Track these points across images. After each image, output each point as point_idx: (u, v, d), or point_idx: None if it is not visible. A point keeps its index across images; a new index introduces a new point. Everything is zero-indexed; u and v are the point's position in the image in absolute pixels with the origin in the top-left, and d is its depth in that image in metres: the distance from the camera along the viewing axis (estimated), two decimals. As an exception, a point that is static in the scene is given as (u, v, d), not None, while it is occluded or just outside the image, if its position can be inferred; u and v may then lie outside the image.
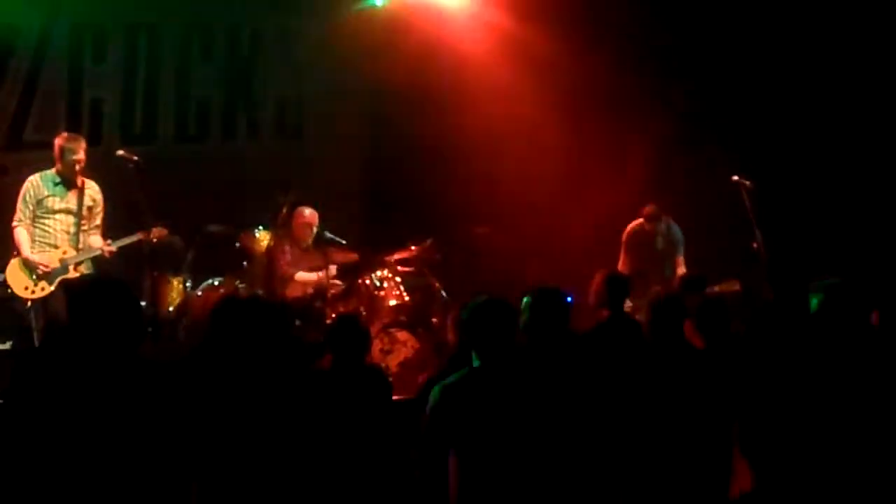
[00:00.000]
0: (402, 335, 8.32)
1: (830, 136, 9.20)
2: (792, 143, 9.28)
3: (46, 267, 7.58)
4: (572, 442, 4.27)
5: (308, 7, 9.99)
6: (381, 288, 8.66)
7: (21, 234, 7.66)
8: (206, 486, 3.89)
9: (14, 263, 7.64)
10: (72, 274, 7.61)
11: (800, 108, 9.30)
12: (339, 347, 5.22)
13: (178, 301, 8.63)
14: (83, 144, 7.75)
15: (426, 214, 9.71)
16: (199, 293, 8.49)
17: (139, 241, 7.85)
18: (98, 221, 7.89)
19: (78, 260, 7.70)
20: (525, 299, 5.13)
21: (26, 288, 7.59)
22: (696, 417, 4.87)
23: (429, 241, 8.87)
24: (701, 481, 4.84)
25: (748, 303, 7.67)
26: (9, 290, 7.64)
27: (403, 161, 10.15)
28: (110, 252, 7.75)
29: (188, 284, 8.65)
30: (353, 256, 8.90)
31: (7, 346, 7.82)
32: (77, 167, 7.67)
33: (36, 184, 7.72)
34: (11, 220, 7.72)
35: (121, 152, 8.09)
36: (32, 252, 7.62)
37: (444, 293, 8.85)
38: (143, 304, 8.20)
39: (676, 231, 8.55)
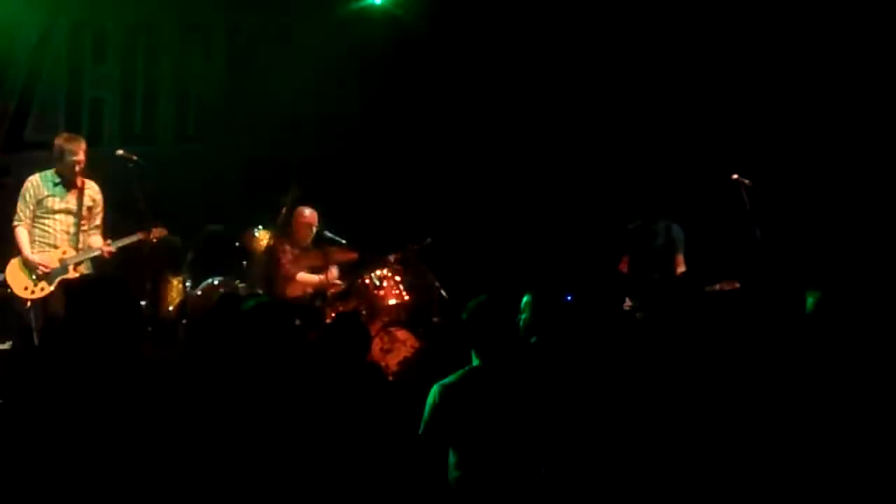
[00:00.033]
0: (401, 334, 8.32)
1: (831, 134, 9.19)
2: (792, 141, 9.27)
3: (46, 267, 7.58)
4: (571, 442, 4.27)
5: (308, 7, 9.99)
6: (380, 287, 8.66)
7: (21, 234, 7.66)
8: (206, 484, 3.90)
9: (14, 263, 7.64)
10: (71, 274, 7.61)
11: (800, 107, 9.28)
12: (339, 346, 5.22)
13: (177, 301, 8.64)
14: (83, 145, 7.75)
15: (426, 213, 9.71)
16: (199, 293, 8.50)
17: (139, 242, 7.86)
18: (98, 221, 7.90)
19: (77, 260, 7.70)
20: (525, 298, 5.13)
21: (26, 288, 7.59)
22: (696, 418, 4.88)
23: (428, 241, 8.87)
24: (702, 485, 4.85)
25: (748, 302, 7.67)
26: (8, 290, 7.65)
27: (403, 160, 10.15)
28: (110, 252, 7.76)
29: (188, 284, 8.65)
30: (353, 255, 8.89)
31: (7, 345, 7.82)
32: (77, 168, 7.67)
33: (36, 183, 7.73)
34: (11, 219, 7.73)
35: (121, 152, 8.10)
36: (32, 252, 7.63)
37: (443, 292, 8.85)
38: (143, 303, 8.23)
39: (676, 230, 8.54)
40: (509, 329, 4.41)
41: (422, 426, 4.36)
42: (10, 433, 3.55)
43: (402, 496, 4.83)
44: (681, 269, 8.43)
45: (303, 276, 8.82)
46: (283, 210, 8.85)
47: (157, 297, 8.37)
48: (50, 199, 7.70)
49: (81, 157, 7.69)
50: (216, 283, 8.51)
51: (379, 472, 4.93)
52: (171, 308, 8.57)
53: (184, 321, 8.37)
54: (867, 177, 9.04)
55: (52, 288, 7.56)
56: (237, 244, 8.88)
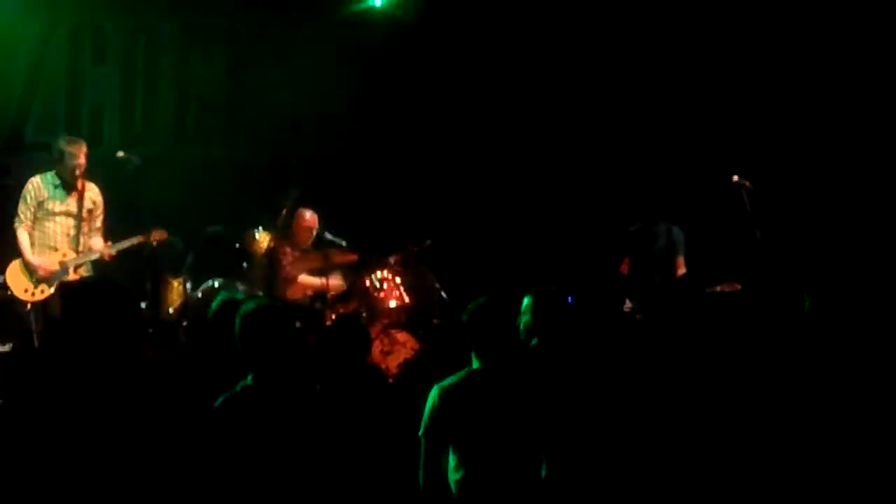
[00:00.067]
0: (402, 336, 8.31)
1: (831, 136, 9.18)
2: (792, 143, 9.26)
3: (46, 269, 7.58)
4: (572, 444, 4.27)
5: (308, 8, 9.99)
6: (380, 289, 8.65)
7: (23, 236, 7.67)
8: (207, 486, 3.89)
9: (14, 265, 7.65)
10: (71, 277, 7.62)
11: (800, 109, 9.28)
12: (340, 348, 5.22)
13: (178, 303, 8.63)
14: (84, 149, 7.75)
15: (426, 215, 9.71)
16: (200, 295, 8.49)
17: (139, 244, 7.86)
18: (99, 224, 7.90)
19: (77, 262, 7.70)
20: (525, 300, 5.12)
21: (26, 290, 7.59)
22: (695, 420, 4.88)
23: (428, 242, 8.86)
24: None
25: (748, 303, 7.67)
26: (9, 293, 7.64)
27: (403, 161, 10.15)
28: (110, 255, 7.76)
29: (188, 286, 8.65)
30: (353, 257, 8.89)
31: (7, 348, 7.82)
32: (77, 172, 7.67)
33: (37, 185, 7.73)
34: (12, 221, 7.73)
35: (121, 154, 8.10)
36: (32, 254, 7.62)
37: (444, 294, 8.84)
38: (143, 305, 8.23)
39: (677, 232, 8.53)
40: (509, 331, 4.40)
41: (421, 428, 4.35)
42: (10, 434, 3.54)
43: (402, 498, 4.83)
44: (681, 271, 8.42)
45: (304, 278, 8.84)
46: (284, 211, 8.86)
47: (158, 298, 8.37)
48: (50, 201, 7.70)
49: (82, 160, 7.69)
50: (216, 284, 8.51)
51: (378, 474, 4.93)
52: (171, 310, 8.56)
53: (184, 323, 8.37)
54: (867, 179, 9.03)
55: (52, 290, 7.56)
56: (237, 246, 8.87)
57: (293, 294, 8.74)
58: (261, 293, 8.22)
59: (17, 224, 7.70)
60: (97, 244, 7.82)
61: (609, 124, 9.84)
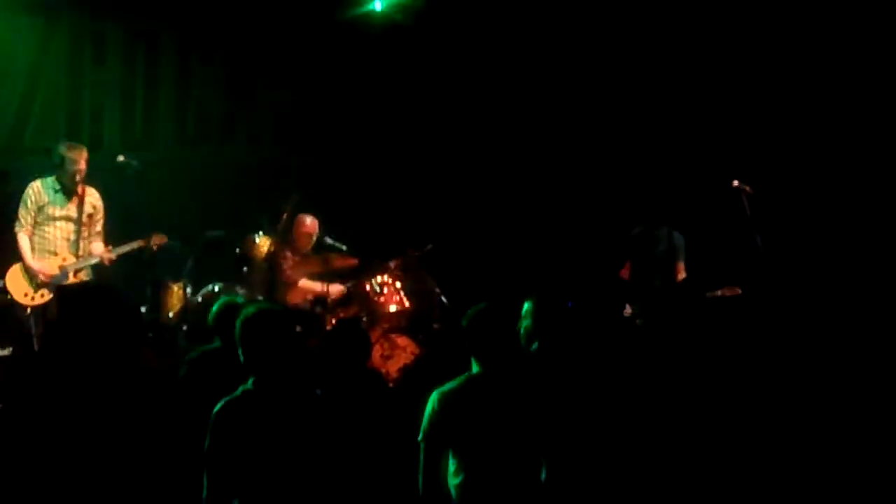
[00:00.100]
0: (402, 340, 8.30)
1: (831, 141, 9.18)
2: (792, 148, 9.26)
3: (46, 274, 7.58)
4: (572, 448, 4.26)
5: (309, 11, 9.99)
6: (381, 293, 8.66)
7: (23, 241, 7.67)
8: (207, 487, 3.89)
9: (14, 270, 7.65)
10: (71, 281, 7.61)
11: (800, 114, 9.28)
12: (340, 353, 5.22)
13: (178, 307, 8.62)
14: (85, 154, 7.75)
15: (427, 219, 9.71)
16: (200, 299, 8.49)
17: (139, 248, 7.86)
18: (99, 228, 7.90)
19: (77, 267, 7.70)
20: (525, 305, 5.11)
21: (26, 294, 7.59)
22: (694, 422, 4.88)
23: (428, 247, 8.87)
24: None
25: (748, 308, 7.67)
26: (9, 297, 7.64)
27: (404, 166, 10.15)
28: (110, 259, 7.76)
29: (188, 290, 8.64)
30: (354, 262, 8.89)
31: (7, 352, 7.82)
32: (78, 177, 7.67)
33: (37, 190, 7.73)
34: (12, 225, 7.73)
35: (121, 158, 8.10)
36: (33, 259, 7.62)
37: (444, 299, 8.84)
38: (143, 310, 8.23)
39: (677, 237, 8.53)
40: (509, 336, 4.40)
41: (421, 433, 4.35)
42: (10, 437, 3.55)
43: (402, 502, 4.82)
44: (682, 275, 8.43)
45: (305, 282, 8.84)
46: (284, 216, 8.86)
47: (158, 303, 8.36)
48: (50, 206, 7.70)
49: (83, 165, 7.69)
50: (217, 289, 8.51)
51: (378, 478, 4.93)
52: (171, 314, 8.55)
53: (184, 327, 8.36)
54: (867, 183, 9.03)
55: (52, 295, 7.55)
56: (238, 250, 8.88)
57: (293, 298, 8.74)
58: (261, 297, 8.22)
59: (17, 228, 7.70)
60: (97, 248, 7.82)
61: (610, 129, 9.85)
